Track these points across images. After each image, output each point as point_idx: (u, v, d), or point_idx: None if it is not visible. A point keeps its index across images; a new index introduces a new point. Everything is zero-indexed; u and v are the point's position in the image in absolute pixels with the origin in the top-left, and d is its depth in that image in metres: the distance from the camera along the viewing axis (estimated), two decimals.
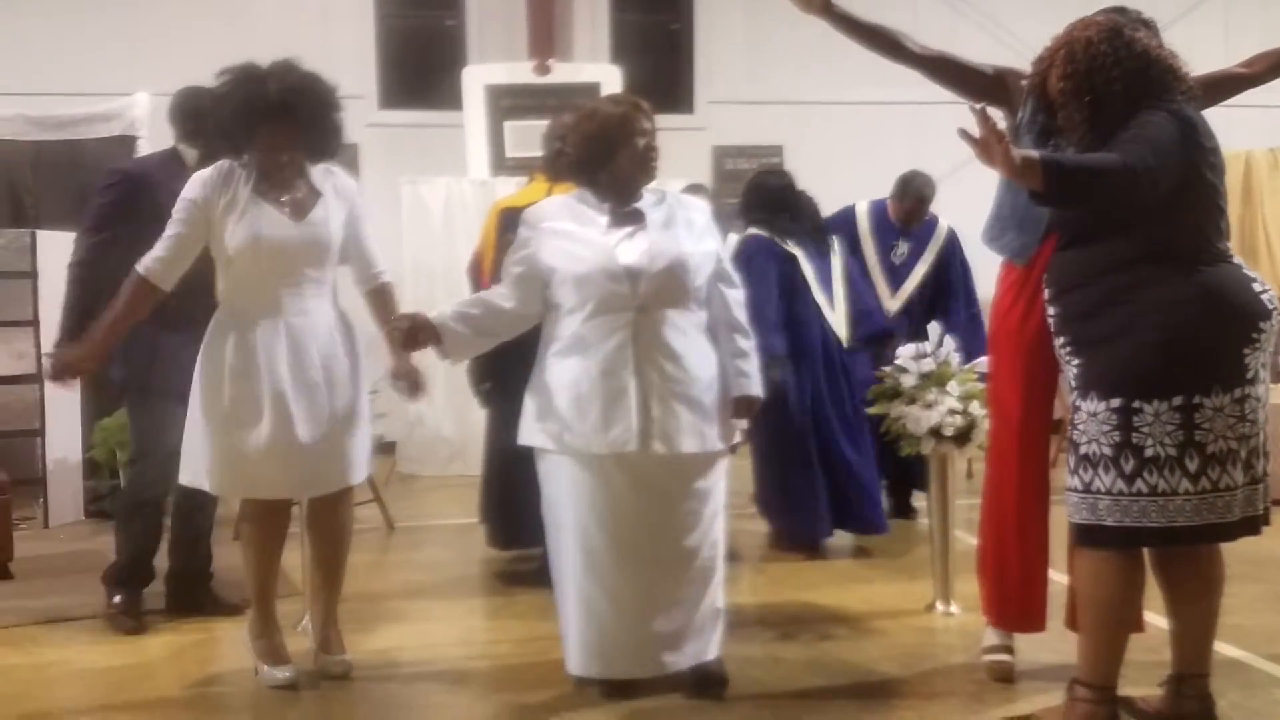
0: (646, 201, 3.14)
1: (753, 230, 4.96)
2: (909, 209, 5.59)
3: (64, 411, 5.89)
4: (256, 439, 3.13)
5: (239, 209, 3.16)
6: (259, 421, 3.12)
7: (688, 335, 3.07)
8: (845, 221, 5.69)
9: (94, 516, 5.93)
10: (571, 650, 3.10)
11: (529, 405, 3.12)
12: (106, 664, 3.59)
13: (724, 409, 3.11)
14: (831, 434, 4.85)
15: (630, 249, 3.04)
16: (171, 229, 3.21)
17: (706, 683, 3.16)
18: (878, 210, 5.71)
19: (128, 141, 6.10)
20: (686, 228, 3.12)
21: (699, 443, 3.03)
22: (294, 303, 3.19)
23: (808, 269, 4.91)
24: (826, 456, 4.85)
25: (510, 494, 4.23)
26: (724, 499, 3.17)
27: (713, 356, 3.12)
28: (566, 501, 3.06)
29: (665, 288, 3.02)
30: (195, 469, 3.24)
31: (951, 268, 5.63)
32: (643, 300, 3.01)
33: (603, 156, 3.10)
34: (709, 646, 3.15)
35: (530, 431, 3.10)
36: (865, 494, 4.89)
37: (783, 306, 4.81)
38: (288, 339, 3.16)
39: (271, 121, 3.13)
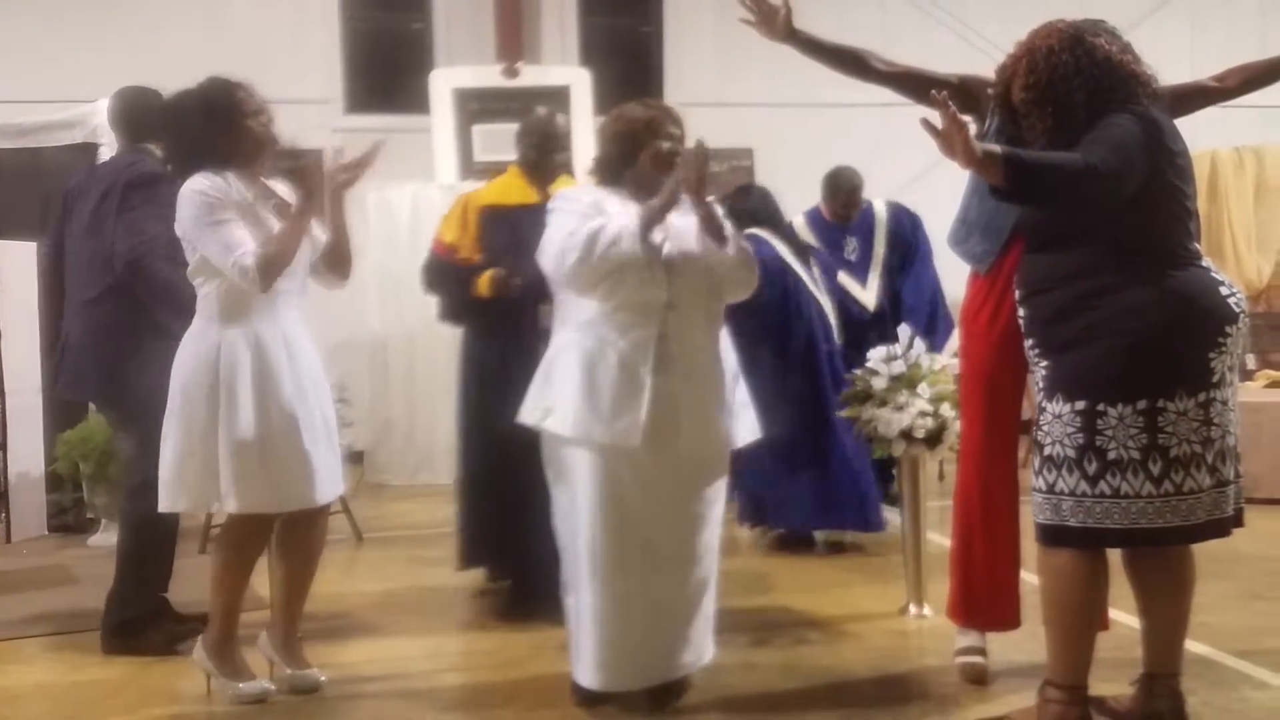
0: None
1: (754, 232, 4.98)
2: (844, 202, 5.65)
3: (26, 425, 5.80)
4: (274, 451, 3.08)
5: (241, 217, 3.12)
6: (274, 433, 3.08)
7: (711, 337, 3.09)
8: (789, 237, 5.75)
9: (57, 531, 5.85)
10: (584, 664, 3.03)
11: (539, 385, 3.08)
12: (72, 680, 3.54)
13: (740, 409, 3.14)
14: (833, 432, 4.81)
15: (664, 255, 3.01)
16: (226, 220, 3.08)
17: (658, 694, 3.10)
18: (814, 217, 5.79)
19: (89, 149, 6.00)
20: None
21: (719, 441, 3.05)
22: (287, 312, 3.19)
23: (801, 272, 5.00)
24: (827, 455, 4.85)
25: (475, 513, 4.17)
26: (723, 501, 3.17)
27: (726, 354, 3.14)
28: (578, 495, 2.99)
29: (696, 286, 3.03)
30: (202, 490, 3.12)
31: (902, 242, 5.67)
32: (673, 297, 3.00)
33: (626, 156, 3.12)
34: (704, 652, 3.14)
35: (532, 411, 3.06)
36: (862, 491, 4.89)
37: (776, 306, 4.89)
38: (286, 349, 3.14)
39: (254, 129, 3.19)
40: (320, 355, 3.32)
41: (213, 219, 3.07)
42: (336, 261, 3.30)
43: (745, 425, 3.19)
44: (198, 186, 3.11)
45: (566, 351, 3.03)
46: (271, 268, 3.07)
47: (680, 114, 3.20)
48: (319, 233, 3.26)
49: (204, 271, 3.15)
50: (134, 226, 3.69)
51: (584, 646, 3.02)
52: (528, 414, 3.08)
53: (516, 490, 3.74)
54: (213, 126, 3.17)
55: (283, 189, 3.27)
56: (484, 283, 3.97)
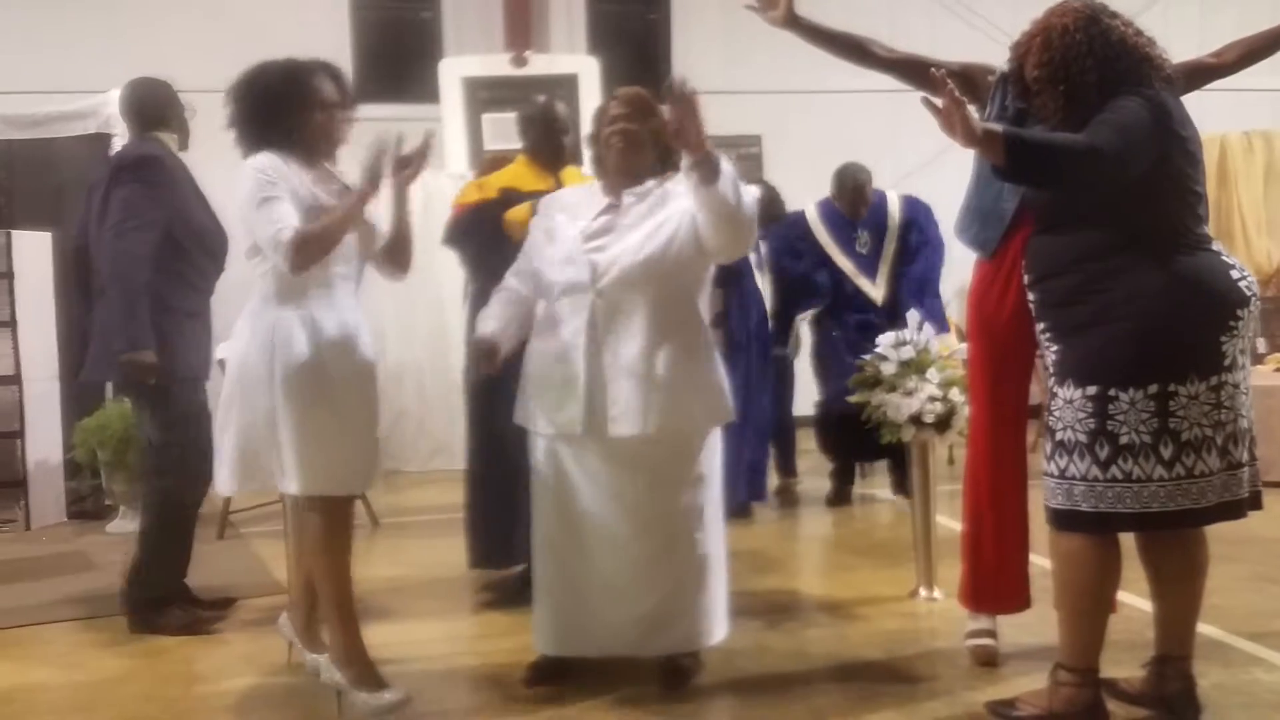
0: (639, 190, 3.13)
1: None
2: (850, 200, 5.70)
3: (44, 413, 5.85)
4: (332, 433, 3.00)
5: (302, 200, 3.02)
6: (332, 415, 3.00)
7: (653, 315, 3.04)
8: (797, 226, 5.79)
9: (76, 518, 5.90)
10: (534, 626, 3.24)
11: (521, 384, 3.23)
12: (91, 665, 3.58)
13: (699, 391, 3.11)
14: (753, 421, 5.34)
15: (597, 244, 3.08)
16: (276, 197, 2.97)
17: (670, 674, 3.17)
18: (827, 208, 5.81)
19: (103, 139, 6.03)
20: (663, 211, 3.09)
21: (647, 424, 3.01)
22: (344, 298, 3.11)
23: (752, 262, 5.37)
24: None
25: (485, 510, 4.15)
26: (710, 484, 3.17)
27: (686, 337, 3.10)
28: (535, 479, 3.20)
29: (627, 281, 3.04)
30: (267, 470, 3.02)
31: (915, 235, 5.71)
32: (603, 289, 3.05)
33: (593, 147, 3.25)
34: (692, 637, 3.16)
35: (517, 409, 3.23)
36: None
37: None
38: (342, 333, 3.06)
39: (319, 121, 3.11)
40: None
41: (263, 195, 2.98)
42: (398, 254, 3.25)
43: (711, 408, 3.14)
44: (255, 164, 3.04)
45: (530, 351, 3.20)
46: (308, 248, 2.96)
47: (636, 93, 3.24)
48: (379, 223, 3.20)
49: (259, 252, 3.06)
50: (121, 202, 3.75)
51: (535, 612, 3.22)
52: (515, 412, 3.24)
53: (522, 475, 3.78)
54: (274, 108, 3.08)
55: (346, 177, 3.19)
56: (520, 213, 3.81)
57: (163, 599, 3.81)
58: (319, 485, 3.02)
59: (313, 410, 2.98)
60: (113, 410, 5.52)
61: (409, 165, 3.09)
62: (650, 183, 3.16)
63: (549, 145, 4.11)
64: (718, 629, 3.22)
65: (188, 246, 3.80)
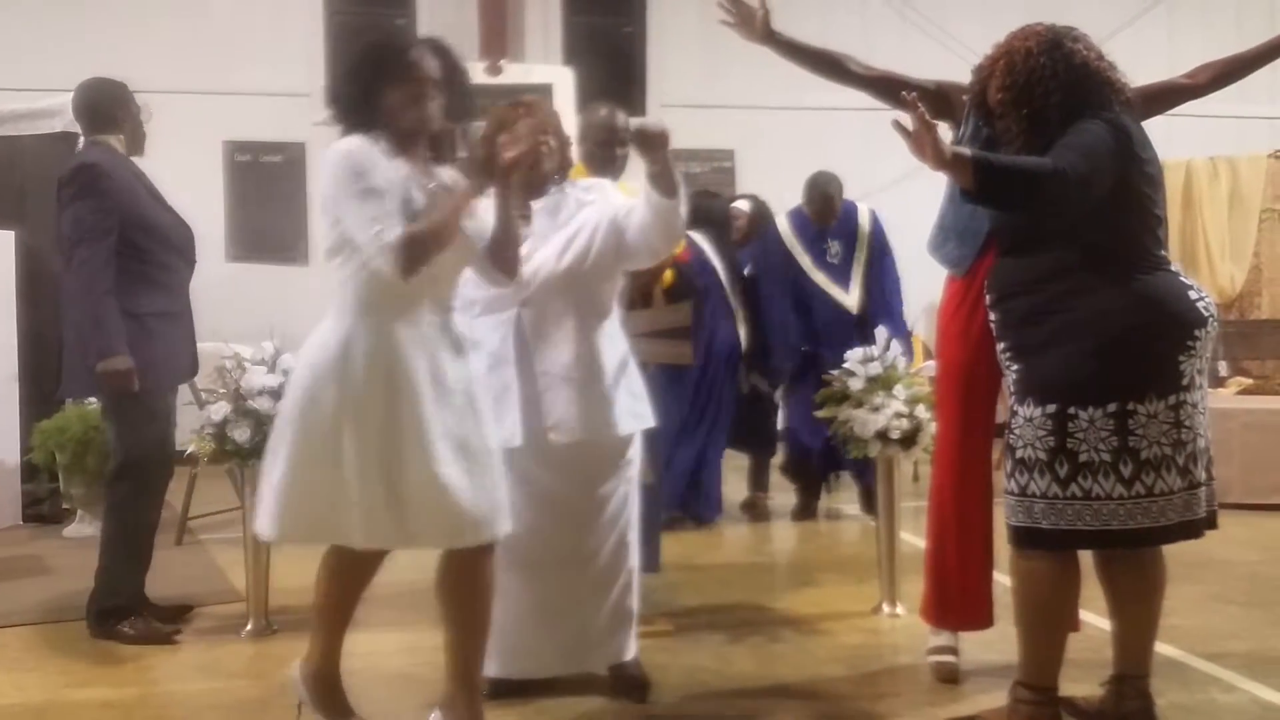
0: (544, 201, 3.11)
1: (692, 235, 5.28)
2: (818, 209, 5.74)
3: (1, 413, 5.76)
4: (401, 476, 2.60)
5: (397, 194, 2.63)
6: (403, 456, 2.61)
7: (578, 323, 3.05)
8: (774, 241, 5.82)
9: (32, 521, 5.82)
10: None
11: None
12: (45, 669, 3.53)
13: (625, 395, 3.10)
14: (700, 437, 5.45)
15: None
16: (373, 190, 2.59)
17: (626, 686, 3.18)
18: (798, 218, 5.85)
19: (69, 139, 5.93)
20: (575, 220, 3.08)
21: (584, 430, 3.02)
22: (434, 315, 2.71)
23: (725, 280, 5.50)
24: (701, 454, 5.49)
25: None
26: (633, 495, 3.16)
27: (609, 343, 3.10)
28: None
29: (551, 291, 3.03)
30: (321, 518, 2.65)
31: (878, 248, 5.78)
32: (528, 300, 3.03)
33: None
34: (620, 648, 3.17)
35: None
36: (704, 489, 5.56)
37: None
38: (427, 357, 2.66)
39: (425, 76, 2.71)
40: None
41: (358, 187, 2.58)
42: (503, 256, 2.80)
43: (635, 412, 3.12)
44: (342, 149, 2.64)
45: None
46: (418, 250, 2.55)
47: (538, 101, 3.25)
48: (484, 223, 2.79)
49: (343, 250, 2.67)
50: (70, 223, 3.70)
51: None
52: None
53: None
54: (364, 85, 2.71)
55: (448, 174, 2.78)
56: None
57: (123, 607, 3.76)
58: (383, 538, 2.68)
59: (382, 449, 2.59)
60: (72, 412, 5.45)
61: (519, 151, 2.74)
62: (552, 191, 3.13)
63: (604, 154, 4.07)
64: (630, 646, 3.21)
65: (148, 247, 3.73)
